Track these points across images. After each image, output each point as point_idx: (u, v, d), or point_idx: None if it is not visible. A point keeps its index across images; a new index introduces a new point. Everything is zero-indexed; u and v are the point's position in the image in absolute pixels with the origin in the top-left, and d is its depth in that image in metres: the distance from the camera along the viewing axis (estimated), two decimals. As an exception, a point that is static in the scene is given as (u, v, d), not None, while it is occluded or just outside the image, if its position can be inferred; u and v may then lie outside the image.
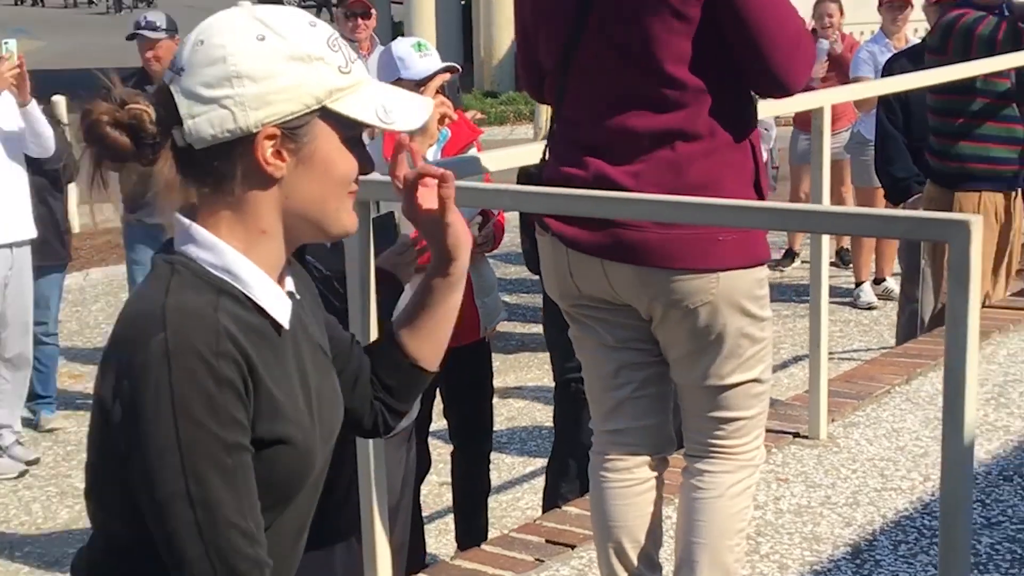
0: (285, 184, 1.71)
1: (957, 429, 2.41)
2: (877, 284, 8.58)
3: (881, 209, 6.43)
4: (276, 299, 1.74)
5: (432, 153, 4.31)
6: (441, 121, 4.13)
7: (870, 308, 8.35)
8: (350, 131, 1.74)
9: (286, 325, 1.74)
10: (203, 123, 1.67)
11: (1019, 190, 5.56)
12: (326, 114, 1.71)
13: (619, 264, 2.96)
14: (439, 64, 4.36)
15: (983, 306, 5.64)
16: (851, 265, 8.77)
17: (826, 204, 4.40)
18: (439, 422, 5.07)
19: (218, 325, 1.63)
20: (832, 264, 7.93)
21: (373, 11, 7.93)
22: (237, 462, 1.63)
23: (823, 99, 4.48)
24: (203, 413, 1.60)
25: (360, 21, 7.76)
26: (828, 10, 8.60)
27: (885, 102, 6.32)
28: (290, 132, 1.69)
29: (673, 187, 2.86)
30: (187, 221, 1.72)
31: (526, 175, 3.81)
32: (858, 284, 8.51)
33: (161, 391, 1.59)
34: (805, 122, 7.71)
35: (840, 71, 8.27)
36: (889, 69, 6.40)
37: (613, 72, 2.94)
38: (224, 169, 1.70)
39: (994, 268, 5.62)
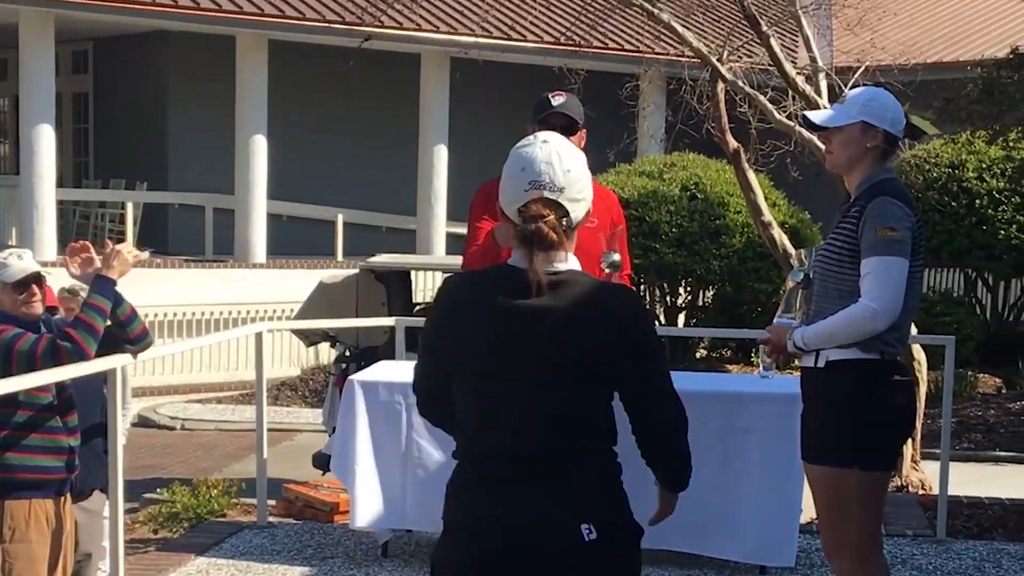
0: None
1: None
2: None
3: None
4: None
5: None
6: None
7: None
8: None
9: None
10: (579, 213, 3.20)
11: (68, 495, 5.64)
12: None
13: None
14: None
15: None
16: None
17: None
18: None
19: None
20: None
21: None
22: None
23: None
24: None
25: None
26: None
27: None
28: None
29: None
30: (569, 255, 3.21)
31: None
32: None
33: (653, 329, 3.31)
34: None
35: None
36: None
37: None
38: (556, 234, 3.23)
39: (51, 570, 5.61)
